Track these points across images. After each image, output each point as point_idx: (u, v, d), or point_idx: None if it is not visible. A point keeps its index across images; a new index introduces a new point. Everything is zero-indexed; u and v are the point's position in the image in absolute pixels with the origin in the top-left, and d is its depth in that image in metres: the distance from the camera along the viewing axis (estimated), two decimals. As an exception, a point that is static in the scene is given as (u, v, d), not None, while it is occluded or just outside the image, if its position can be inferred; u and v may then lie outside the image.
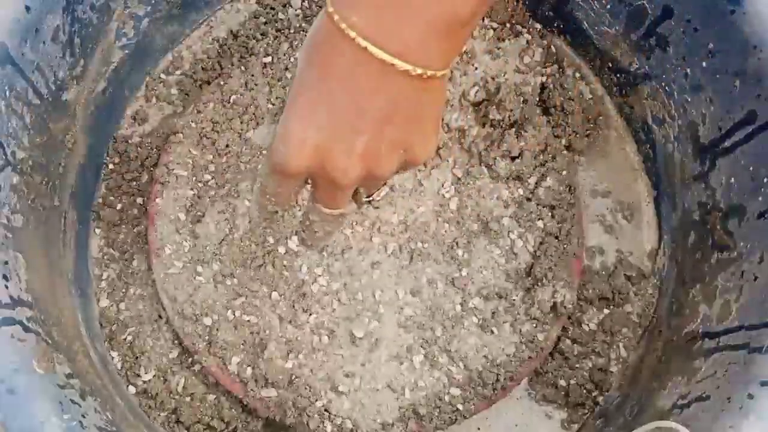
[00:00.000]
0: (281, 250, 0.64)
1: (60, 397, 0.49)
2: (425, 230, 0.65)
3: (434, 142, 0.49)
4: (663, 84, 0.66)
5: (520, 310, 0.64)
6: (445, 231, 0.65)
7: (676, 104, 0.65)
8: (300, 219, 0.62)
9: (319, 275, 0.64)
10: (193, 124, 0.68)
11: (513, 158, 0.67)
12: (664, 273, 0.69)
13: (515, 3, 0.73)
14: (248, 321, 0.62)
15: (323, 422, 0.60)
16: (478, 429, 0.66)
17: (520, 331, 0.63)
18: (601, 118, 0.73)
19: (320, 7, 0.73)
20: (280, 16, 0.74)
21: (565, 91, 0.71)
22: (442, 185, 0.67)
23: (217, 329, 0.62)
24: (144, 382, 0.64)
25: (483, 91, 0.68)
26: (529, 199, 0.66)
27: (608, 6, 0.68)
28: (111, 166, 0.70)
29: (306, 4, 0.74)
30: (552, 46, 0.73)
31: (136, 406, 0.63)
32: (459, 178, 0.67)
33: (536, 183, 0.67)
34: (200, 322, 0.63)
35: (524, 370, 0.64)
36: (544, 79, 0.71)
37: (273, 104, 0.68)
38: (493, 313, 0.63)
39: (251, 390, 0.61)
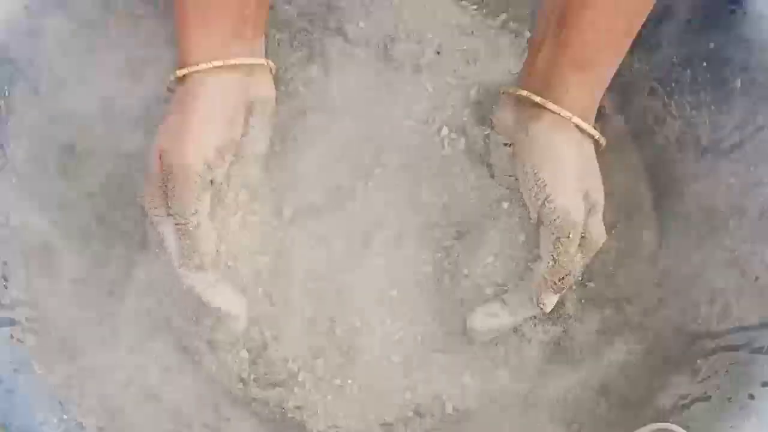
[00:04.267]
0: (281, 250, 0.64)
1: (60, 397, 0.49)
2: (425, 229, 0.65)
3: None
4: (663, 84, 0.66)
5: (520, 311, 0.64)
6: (445, 230, 0.65)
7: (677, 104, 0.65)
8: None
9: (319, 275, 0.64)
10: (193, 124, 0.68)
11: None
12: (665, 273, 0.69)
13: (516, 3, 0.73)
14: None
15: (323, 422, 0.60)
16: (479, 429, 0.66)
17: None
18: (601, 118, 0.73)
19: (321, 6, 0.73)
20: (281, 16, 0.74)
21: (566, 91, 0.70)
22: (442, 185, 0.66)
23: (217, 329, 0.62)
24: (144, 382, 0.64)
25: (483, 91, 0.68)
26: (529, 199, 0.66)
27: (608, 6, 0.68)
28: (111, 165, 0.70)
29: (306, 3, 0.74)
30: (552, 46, 0.73)
31: (136, 407, 0.63)
32: (459, 178, 0.67)
33: (536, 183, 0.66)
34: (200, 323, 0.62)
35: (524, 371, 0.64)
36: (544, 79, 0.71)
37: (273, 104, 0.68)
38: (494, 313, 0.63)
39: (251, 390, 0.61)
